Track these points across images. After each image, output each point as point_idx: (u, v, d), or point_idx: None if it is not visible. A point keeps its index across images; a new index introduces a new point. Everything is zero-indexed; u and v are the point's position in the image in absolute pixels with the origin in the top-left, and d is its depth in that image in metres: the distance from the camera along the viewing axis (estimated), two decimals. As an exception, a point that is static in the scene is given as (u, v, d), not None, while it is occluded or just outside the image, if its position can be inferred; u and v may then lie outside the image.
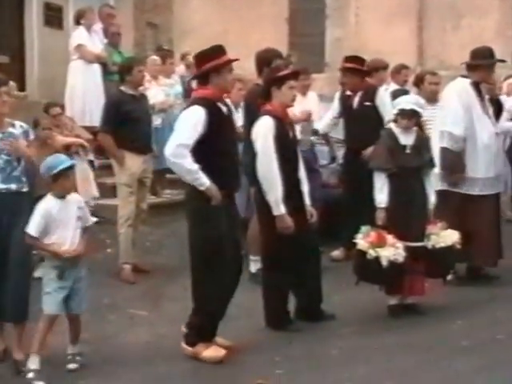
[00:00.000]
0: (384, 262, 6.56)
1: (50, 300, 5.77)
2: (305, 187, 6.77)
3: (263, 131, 6.55)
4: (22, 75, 12.56)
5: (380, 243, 6.61)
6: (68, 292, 5.82)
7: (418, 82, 9.28)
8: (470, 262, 7.72)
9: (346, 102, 8.88)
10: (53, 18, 13.19)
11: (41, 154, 6.30)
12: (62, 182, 5.81)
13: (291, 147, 6.73)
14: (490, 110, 7.93)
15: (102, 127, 8.57)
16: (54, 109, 9.67)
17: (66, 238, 5.82)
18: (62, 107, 10.13)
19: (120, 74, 8.78)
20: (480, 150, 7.64)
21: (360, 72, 8.68)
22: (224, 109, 6.10)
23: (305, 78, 9.36)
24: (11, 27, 12.63)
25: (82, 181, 9.55)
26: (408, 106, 6.89)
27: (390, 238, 6.65)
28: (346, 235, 8.04)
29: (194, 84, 7.75)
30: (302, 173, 6.80)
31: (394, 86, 10.26)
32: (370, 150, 7.97)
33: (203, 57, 6.09)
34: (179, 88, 11.45)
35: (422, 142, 7.01)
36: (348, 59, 8.84)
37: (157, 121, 10.12)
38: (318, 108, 9.79)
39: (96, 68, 11.39)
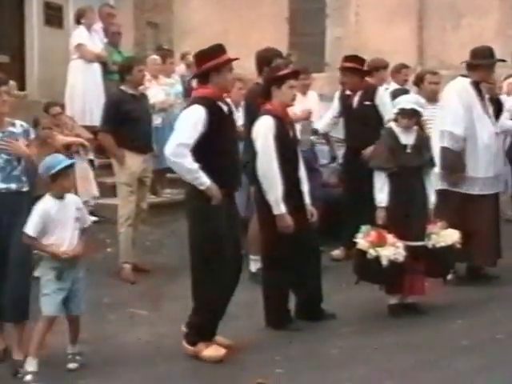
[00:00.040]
0: (384, 262, 6.56)
1: (49, 301, 5.74)
2: (305, 186, 6.77)
3: (263, 130, 6.55)
4: (22, 74, 12.56)
5: (380, 242, 6.61)
6: (67, 293, 5.79)
7: (418, 81, 9.29)
8: (469, 262, 7.72)
9: (345, 101, 8.88)
10: (53, 17, 13.19)
11: (41, 153, 6.28)
12: (61, 182, 5.79)
13: (291, 146, 6.72)
14: (490, 110, 7.93)
15: (102, 126, 8.57)
16: (54, 108, 9.68)
17: (65, 239, 5.79)
18: (62, 106, 10.14)
19: (120, 73, 8.78)
20: (480, 149, 7.64)
21: (359, 71, 8.68)
22: (224, 108, 6.10)
23: (305, 77, 9.36)
24: (11, 26, 12.63)
25: (82, 180, 9.57)
26: (408, 106, 6.90)
27: (390, 238, 6.65)
28: (346, 234, 8.04)
29: (194, 83, 7.74)
30: (302, 172, 6.80)
31: (394, 86, 10.27)
32: (370, 150, 7.98)
33: (203, 56, 6.09)
34: (179, 87, 11.45)
35: (423, 142, 7.02)
36: (347, 59, 8.85)
37: (157, 120, 10.12)
38: (318, 107, 9.80)
39: (96, 67, 11.39)
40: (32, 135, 6.25)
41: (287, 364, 5.86)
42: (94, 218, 9.83)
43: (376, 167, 6.93)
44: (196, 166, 5.84)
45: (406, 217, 6.77)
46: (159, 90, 10.69)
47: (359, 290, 7.00)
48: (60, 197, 5.82)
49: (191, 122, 5.90)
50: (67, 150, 9.34)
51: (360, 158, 8.32)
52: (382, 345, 6.18)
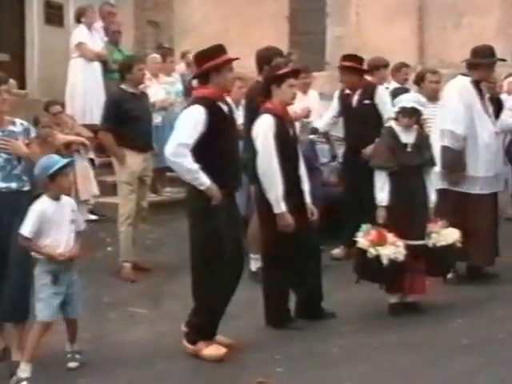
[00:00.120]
0: (384, 261, 6.56)
1: (44, 306, 5.67)
2: (305, 185, 6.77)
3: (263, 129, 6.55)
4: (22, 73, 12.57)
5: (380, 241, 6.61)
6: (63, 297, 5.74)
7: (419, 80, 9.29)
8: (468, 261, 7.72)
9: (345, 100, 8.88)
10: (53, 16, 13.20)
11: (41, 152, 6.27)
12: (59, 182, 5.73)
13: (291, 145, 6.72)
14: (490, 109, 7.92)
15: (103, 125, 8.57)
16: (54, 107, 9.68)
17: (61, 241, 5.73)
18: (63, 105, 10.14)
19: (120, 72, 8.78)
20: (481, 148, 7.63)
21: (358, 70, 8.68)
22: (224, 108, 6.09)
23: (305, 76, 9.39)
24: (12, 25, 12.64)
25: (83, 179, 9.58)
26: (409, 104, 6.90)
27: (390, 237, 6.65)
28: (346, 233, 8.04)
29: (194, 82, 7.74)
30: (303, 171, 6.80)
31: (394, 85, 10.27)
32: (370, 149, 7.98)
33: (203, 56, 6.08)
34: (180, 86, 11.45)
35: (423, 141, 7.01)
36: (346, 58, 8.85)
37: (157, 119, 10.12)
38: (318, 106, 9.81)
39: (96, 66, 11.39)
40: (33, 134, 6.23)
41: (287, 363, 5.86)
42: (94, 217, 9.88)
43: (376, 166, 6.93)
44: (196, 166, 5.83)
45: (407, 216, 6.77)
46: (159, 89, 10.69)
47: (359, 289, 7.00)
48: (56, 198, 5.77)
49: (191, 122, 5.90)
50: (67, 148, 9.35)
51: (360, 156, 8.32)
52: (382, 344, 6.18)
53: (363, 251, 6.67)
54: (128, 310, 7.33)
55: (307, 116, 8.78)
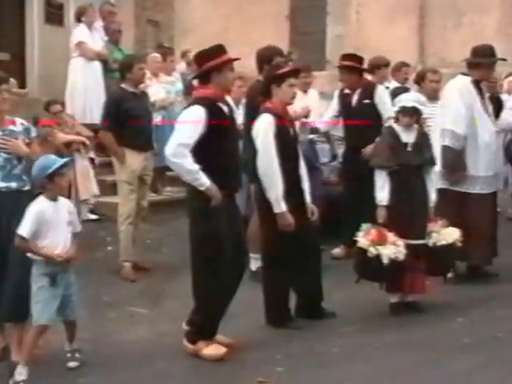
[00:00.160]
0: (385, 260, 6.56)
1: (42, 309, 5.62)
2: (305, 185, 6.76)
3: (263, 129, 6.55)
4: (22, 72, 12.56)
5: (381, 241, 6.61)
6: (61, 300, 5.70)
7: (419, 79, 9.28)
8: (468, 261, 7.71)
9: (344, 99, 8.88)
10: (54, 15, 13.18)
11: (42, 151, 6.26)
12: (58, 182, 5.69)
13: (291, 145, 6.72)
14: (490, 108, 7.92)
15: (103, 125, 8.56)
16: (54, 106, 9.69)
17: (58, 242, 5.69)
18: (63, 104, 10.15)
19: (121, 71, 8.78)
20: (481, 148, 7.63)
21: (358, 70, 8.68)
22: (225, 108, 6.09)
23: (306, 75, 9.39)
24: (12, 24, 12.62)
25: (83, 178, 9.60)
26: (409, 104, 6.89)
27: (390, 236, 6.64)
28: (346, 233, 8.03)
29: (195, 82, 7.74)
30: (303, 170, 6.80)
31: (394, 84, 10.27)
32: (369, 148, 7.98)
33: (204, 56, 6.08)
34: (180, 85, 11.45)
35: (423, 140, 7.01)
36: (345, 57, 8.85)
37: (157, 118, 10.12)
38: (318, 105, 9.81)
39: (97, 65, 11.40)
40: (33, 134, 6.23)
41: (288, 362, 5.86)
42: (94, 216, 9.89)
43: (377, 166, 6.93)
44: (196, 166, 5.83)
45: (407, 215, 6.77)
46: (160, 88, 10.69)
47: (360, 289, 6.99)
48: (54, 199, 5.73)
49: (191, 123, 5.89)
50: (68, 148, 9.35)
51: (360, 156, 8.32)
52: (382, 343, 6.18)
53: (363, 251, 6.66)
54: (128, 310, 7.33)
55: (307, 116, 8.78)
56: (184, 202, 6.38)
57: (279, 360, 5.91)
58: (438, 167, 7.29)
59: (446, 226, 6.94)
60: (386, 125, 7.36)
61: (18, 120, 6.16)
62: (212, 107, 5.93)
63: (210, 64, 5.97)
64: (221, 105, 6.04)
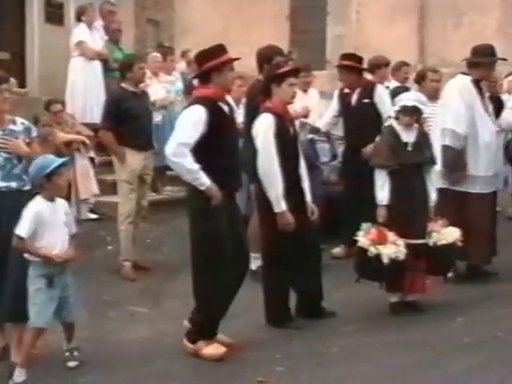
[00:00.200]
0: (385, 260, 6.56)
1: (39, 312, 5.59)
2: (305, 184, 6.76)
3: (264, 128, 6.54)
4: (22, 72, 12.55)
5: (381, 240, 6.61)
6: (58, 302, 5.67)
7: (419, 79, 9.27)
8: (467, 260, 7.71)
9: (344, 99, 8.88)
10: (54, 14, 13.17)
11: (42, 151, 6.25)
12: (56, 181, 5.65)
13: (292, 144, 6.72)
14: (490, 108, 7.92)
15: (103, 124, 8.57)
16: (54, 105, 9.69)
17: (56, 243, 5.65)
18: (63, 104, 10.15)
19: (121, 70, 8.78)
20: (481, 148, 7.63)
21: (357, 69, 8.69)
22: (225, 108, 6.09)
23: (306, 74, 9.39)
24: (12, 24, 12.61)
25: (83, 178, 9.60)
26: (410, 103, 6.89)
27: (390, 236, 6.64)
28: (346, 232, 8.03)
29: (195, 82, 7.75)
30: (303, 169, 6.80)
31: (394, 83, 10.26)
32: (369, 148, 7.98)
33: (204, 56, 6.08)
34: (180, 85, 11.45)
35: (424, 140, 7.01)
36: (344, 57, 8.86)
37: (157, 117, 10.12)
38: (318, 105, 9.81)
39: (97, 65, 11.40)
40: (34, 133, 6.22)
41: (288, 362, 5.86)
42: (94, 216, 9.89)
43: (377, 165, 6.92)
44: (196, 166, 5.82)
45: (407, 215, 6.76)
46: (160, 88, 10.69)
47: (360, 288, 6.99)
48: (51, 199, 5.69)
49: (192, 122, 5.89)
50: (68, 147, 9.35)
51: (359, 155, 8.32)
52: (382, 343, 6.18)
53: (364, 250, 6.66)
54: (128, 309, 7.33)
55: (306, 115, 8.79)
56: (184, 201, 6.38)
57: (279, 360, 5.91)
58: (438, 167, 7.29)
59: (446, 225, 6.94)
60: (386, 124, 7.36)
61: (19, 119, 6.16)
62: (212, 107, 5.93)
63: (211, 64, 5.97)
64: (221, 104, 6.04)
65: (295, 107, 7.88)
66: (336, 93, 9.14)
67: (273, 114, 6.56)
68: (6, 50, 12.23)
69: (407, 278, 6.71)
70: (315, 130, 9.23)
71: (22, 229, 5.54)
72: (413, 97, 7.14)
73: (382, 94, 8.68)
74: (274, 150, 6.46)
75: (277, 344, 6.26)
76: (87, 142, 9.73)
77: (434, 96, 8.82)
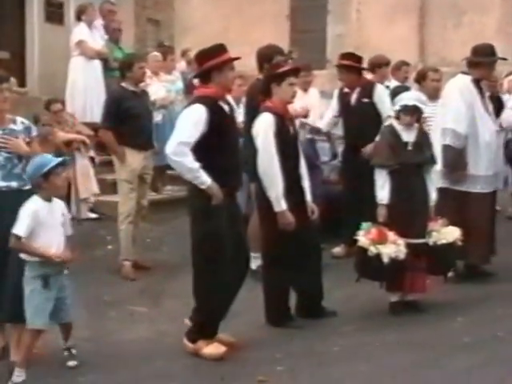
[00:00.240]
0: (385, 259, 6.55)
1: (35, 313, 5.57)
2: (306, 183, 6.76)
3: (264, 127, 6.54)
4: (22, 71, 12.56)
5: (381, 240, 6.60)
6: (54, 303, 5.65)
7: (420, 78, 9.25)
8: (466, 260, 7.71)
9: (343, 98, 8.88)
10: (54, 13, 13.18)
11: (42, 150, 6.24)
12: (53, 181, 5.61)
13: (292, 143, 6.72)
14: (490, 108, 7.91)
15: (103, 123, 8.56)
16: (55, 105, 9.70)
17: (52, 244, 5.62)
18: (63, 103, 10.15)
19: (121, 70, 8.78)
20: (482, 147, 7.62)
21: (356, 69, 8.68)
22: (226, 107, 6.09)
23: (306, 74, 9.40)
24: (12, 23, 12.62)
25: (83, 177, 9.60)
26: (410, 102, 6.88)
27: (391, 235, 6.64)
28: (346, 232, 8.03)
29: (195, 81, 7.74)
30: (303, 169, 6.79)
31: (394, 83, 10.26)
32: (369, 147, 7.98)
33: (205, 55, 6.08)
34: (180, 84, 11.45)
35: (424, 139, 7.00)
36: (344, 56, 8.86)
37: (158, 117, 10.12)
38: (319, 104, 9.81)
39: (97, 64, 11.40)
40: (34, 133, 6.22)
41: (288, 361, 5.86)
42: (94, 215, 9.89)
43: (377, 165, 6.92)
44: (197, 165, 5.82)
45: (407, 214, 6.76)
46: (160, 87, 10.69)
47: (360, 288, 6.99)
48: (48, 199, 5.66)
49: (192, 121, 5.89)
50: (68, 147, 9.36)
51: (359, 155, 8.32)
52: (382, 342, 6.17)
53: (364, 250, 6.66)
54: (128, 309, 7.33)
55: (306, 116, 8.78)
56: (184, 201, 6.39)
57: (279, 359, 5.90)
58: (438, 166, 7.29)
59: (447, 225, 6.94)
60: (387, 123, 7.35)
61: (19, 119, 6.15)
62: (213, 106, 5.93)
63: (211, 63, 5.97)
64: (222, 104, 6.05)
65: (295, 107, 7.87)
66: (336, 93, 9.14)
67: (273, 114, 6.56)
68: (6, 49, 12.24)
69: (407, 277, 6.71)
70: (316, 131, 9.24)
71: (20, 228, 5.51)
72: (413, 96, 7.13)
73: (381, 94, 8.68)
74: (274, 149, 6.46)
75: (277, 343, 6.26)
76: (87, 141, 9.73)
77: (434, 95, 8.80)
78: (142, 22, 16.56)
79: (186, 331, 6.11)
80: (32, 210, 5.57)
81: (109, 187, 9.87)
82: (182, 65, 12.97)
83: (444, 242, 6.82)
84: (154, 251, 9.09)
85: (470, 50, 7.87)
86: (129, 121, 8.24)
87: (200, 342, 6.00)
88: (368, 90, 8.64)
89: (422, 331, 6.41)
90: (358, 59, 8.75)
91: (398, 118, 6.97)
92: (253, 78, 7.97)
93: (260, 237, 6.85)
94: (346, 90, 8.83)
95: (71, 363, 5.87)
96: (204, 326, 6.03)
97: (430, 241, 6.83)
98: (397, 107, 7.00)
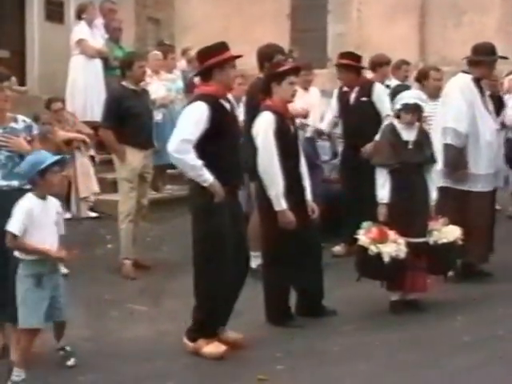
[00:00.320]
0: (386, 258, 6.55)
1: (29, 313, 5.52)
2: (306, 182, 6.76)
3: (264, 127, 6.54)
4: (22, 70, 12.56)
5: (382, 239, 6.60)
6: (49, 302, 5.60)
7: (421, 77, 9.25)
8: (464, 258, 7.70)
9: (343, 97, 8.89)
10: (54, 12, 13.18)
11: (42, 149, 6.23)
12: (49, 179, 5.56)
13: (292, 142, 6.72)
14: (491, 107, 7.91)
15: (103, 122, 8.56)
16: (55, 104, 9.70)
17: (45, 242, 5.56)
18: (63, 102, 10.15)
19: (121, 69, 8.77)
20: (483, 146, 7.62)
21: (355, 68, 8.69)
22: (227, 105, 6.09)
23: (307, 73, 9.39)
24: (12, 22, 12.62)
25: (83, 176, 9.60)
26: (411, 101, 6.88)
27: (391, 234, 6.64)
28: (347, 231, 8.03)
29: (196, 79, 7.73)
30: (304, 168, 6.80)
31: (395, 82, 10.26)
32: (369, 146, 7.98)
33: (206, 53, 6.08)
34: (180, 83, 11.45)
35: (424, 138, 7.00)
36: (343, 55, 8.88)
37: (158, 116, 10.12)
38: (319, 103, 9.81)
39: (97, 63, 11.39)
40: (35, 131, 6.21)
41: (288, 360, 5.86)
42: (94, 214, 9.89)
43: (378, 164, 6.92)
44: (199, 162, 5.82)
45: (408, 213, 6.76)
46: (160, 86, 10.69)
47: (360, 287, 6.98)
48: (43, 197, 5.60)
49: (194, 119, 5.89)
50: (68, 145, 9.36)
51: (359, 154, 8.32)
52: (383, 341, 6.17)
53: (364, 249, 6.65)
54: (128, 308, 7.33)
55: (306, 116, 8.79)
56: (184, 199, 6.39)
57: (280, 358, 5.90)
58: (438, 165, 7.28)
59: (447, 224, 6.94)
60: (387, 122, 7.35)
61: (20, 117, 6.14)
62: (214, 104, 5.93)
63: (212, 61, 5.97)
64: (223, 102, 6.04)
65: (295, 106, 7.87)
66: (335, 92, 9.14)
67: (273, 113, 6.56)
68: (6, 48, 12.23)
69: (408, 276, 6.71)
70: (319, 134, 9.25)
71: (15, 226, 5.46)
72: (414, 95, 7.13)
73: (380, 93, 8.68)
74: (274, 148, 6.46)
75: (277, 342, 6.26)
76: (87, 140, 9.73)
77: (434, 95, 8.80)
78: (143, 20, 16.55)
79: (186, 330, 6.11)
80: (27, 207, 5.52)
81: (109, 186, 9.87)
82: (182, 64, 12.96)
83: (444, 241, 6.82)
84: (155, 250, 9.09)
85: (470, 49, 7.87)
86: (129, 120, 8.24)
87: (200, 341, 6.00)
88: (367, 88, 8.64)
89: (422, 330, 6.40)
90: (357, 58, 8.76)
91: (398, 116, 6.97)
92: (253, 76, 7.97)
93: (260, 236, 6.85)
94: (345, 89, 8.84)
95: (70, 362, 5.85)
96: (204, 325, 6.02)
97: (431, 240, 6.83)
98: (397, 106, 6.99)
